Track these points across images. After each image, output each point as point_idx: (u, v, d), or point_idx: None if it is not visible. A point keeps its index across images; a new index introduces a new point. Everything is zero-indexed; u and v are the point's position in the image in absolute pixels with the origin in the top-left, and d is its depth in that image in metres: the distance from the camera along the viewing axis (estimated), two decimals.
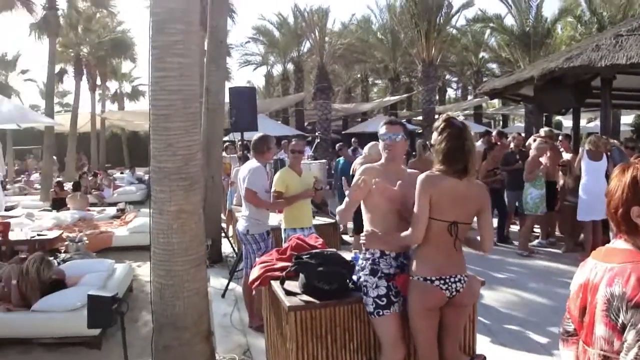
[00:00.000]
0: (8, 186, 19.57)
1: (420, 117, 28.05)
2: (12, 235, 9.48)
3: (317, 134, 22.51)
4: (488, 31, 28.88)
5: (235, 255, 8.72)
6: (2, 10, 20.65)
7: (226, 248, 9.56)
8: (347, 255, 4.20)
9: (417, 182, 3.30)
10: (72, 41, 26.48)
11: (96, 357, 5.70)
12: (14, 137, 29.64)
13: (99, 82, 31.73)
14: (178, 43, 4.10)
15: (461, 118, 3.48)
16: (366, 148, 7.67)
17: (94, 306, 4.07)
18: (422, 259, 3.35)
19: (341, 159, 11.42)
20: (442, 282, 3.28)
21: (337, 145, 11.72)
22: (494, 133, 11.26)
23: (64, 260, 7.58)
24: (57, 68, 25.37)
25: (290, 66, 31.53)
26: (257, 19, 43.79)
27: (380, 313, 3.43)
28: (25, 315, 5.92)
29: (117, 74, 33.45)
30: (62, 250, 9.27)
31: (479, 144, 11.38)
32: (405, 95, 30.84)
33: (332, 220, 8.31)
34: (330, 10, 25.46)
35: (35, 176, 24.79)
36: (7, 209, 14.51)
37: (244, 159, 8.21)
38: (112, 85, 37.09)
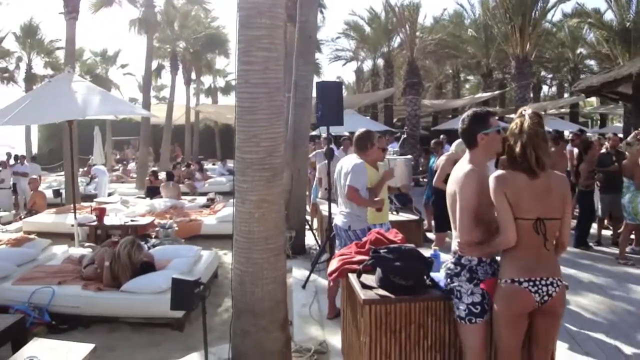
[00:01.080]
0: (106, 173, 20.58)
1: (513, 115, 27.16)
2: (107, 220, 10.07)
3: (405, 129, 22.30)
4: (586, 26, 27.63)
5: (318, 248, 8.81)
6: (101, 6, 21.68)
7: (310, 240, 9.66)
8: (427, 252, 4.16)
9: (489, 182, 3.19)
10: (169, 37, 27.41)
11: (178, 339, 5.93)
12: (113, 128, 31.17)
13: (193, 76, 32.71)
14: (263, 37, 4.18)
15: (544, 112, 3.34)
16: (453, 145, 7.55)
17: (178, 289, 4.23)
18: (510, 260, 3.21)
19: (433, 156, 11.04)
20: (531, 284, 3.11)
21: (433, 141, 11.42)
22: (567, 133, 10.75)
23: (154, 245, 7.92)
24: (155, 63, 26.41)
25: (380, 61, 31.39)
26: (347, 14, 43.82)
27: (472, 320, 3.35)
28: (115, 295, 6.27)
29: (211, 68, 34.33)
30: (153, 236, 9.69)
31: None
32: (498, 91, 30.01)
33: (416, 217, 8.25)
34: (422, 5, 25.04)
35: (131, 165, 25.99)
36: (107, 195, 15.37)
37: (329, 153, 8.25)
38: (207, 80, 38.23)
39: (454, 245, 3.46)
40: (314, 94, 8.70)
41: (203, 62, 31.48)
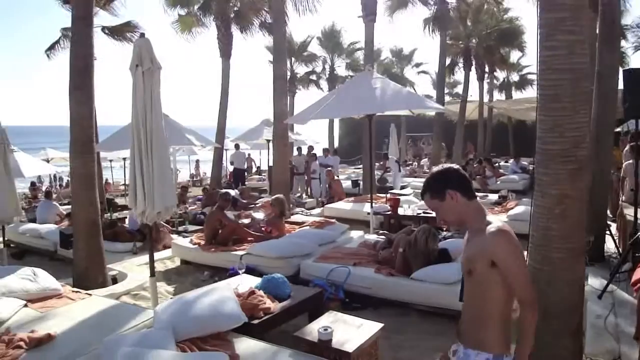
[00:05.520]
0: (401, 168, 21.37)
1: None
2: (401, 211, 10.50)
3: None
4: None
5: (619, 256, 8.02)
6: (397, 8, 22.45)
7: (610, 247, 8.83)
8: None
9: None
10: (462, 33, 27.32)
11: None
12: (407, 124, 32.28)
13: (487, 71, 32.12)
14: (567, 19, 3.93)
15: None
16: None
17: None
18: None
19: None
20: None
21: None
22: None
23: (445, 238, 7.97)
24: (448, 60, 26.53)
25: None
26: None
27: None
28: (405, 282, 6.49)
29: (505, 63, 33.42)
30: (444, 229, 9.80)
31: None
32: None
33: None
34: None
35: (424, 161, 26.65)
36: (400, 188, 16.08)
37: (636, 150, 7.41)
38: (500, 75, 37.27)
39: None
40: (620, 86, 7.95)
41: (496, 57, 30.73)
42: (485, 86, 33.04)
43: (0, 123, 8.75)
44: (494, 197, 13.96)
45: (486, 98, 32.98)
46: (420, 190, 2.89)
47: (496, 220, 2.62)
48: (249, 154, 26.62)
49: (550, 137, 4.05)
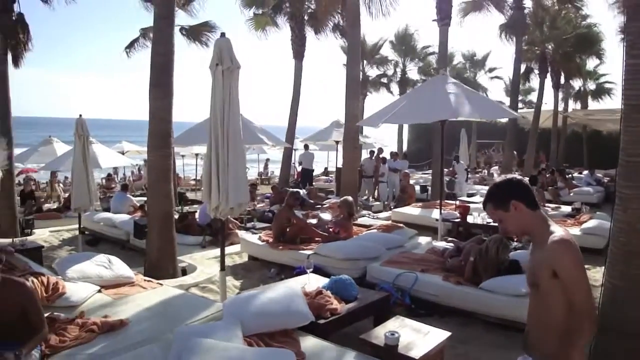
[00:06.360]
0: (469, 175, 20.97)
1: None
2: (470, 219, 10.34)
3: None
4: None
5: None
6: (470, 11, 22.01)
7: None
8: None
9: None
10: (538, 39, 26.56)
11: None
12: (478, 131, 31.70)
13: (562, 79, 31.13)
14: None
15: None
16: None
17: None
18: None
19: None
20: None
21: None
22: None
23: (516, 249, 7.81)
24: (523, 66, 25.86)
25: None
26: None
27: None
28: (473, 291, 6.34)
29: (581, 71, 32.31)
30: (515, 240, 9.59)
31: None
32: None
33: None
34: None
35: (494, 169, 26.14)
36: (469, 195, 15.79)
37: None
38: (576, 83, 36.05)
39: None
40: None
41: (573, 64, 29.70)
42: (560, 94, 31.99)
43: (81, 116, 9.14)
44: (566, 209, 13.54)
45: (560, 107, 31.96)
46: None
47: (559, 230, 2.58)
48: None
49: (634, 149, 3.92)
